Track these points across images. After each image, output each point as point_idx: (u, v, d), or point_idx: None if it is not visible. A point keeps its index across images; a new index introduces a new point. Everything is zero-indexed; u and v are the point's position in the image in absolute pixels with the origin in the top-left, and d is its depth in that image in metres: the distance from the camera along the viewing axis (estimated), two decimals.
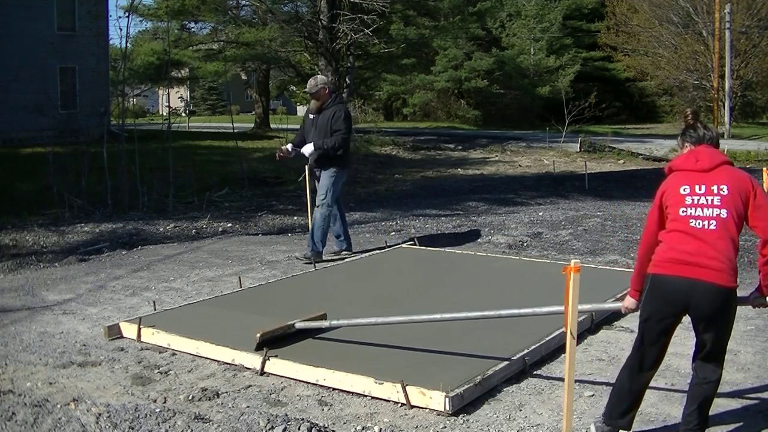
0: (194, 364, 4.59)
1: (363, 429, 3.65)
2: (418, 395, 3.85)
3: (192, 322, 5.21)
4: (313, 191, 7.64)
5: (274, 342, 4.59)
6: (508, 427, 3.66)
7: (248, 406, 3.91)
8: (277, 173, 16.03)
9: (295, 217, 10.79)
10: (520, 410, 3.84)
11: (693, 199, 3.23)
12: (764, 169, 7.93)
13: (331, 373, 4.15)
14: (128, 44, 13.90)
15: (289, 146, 7.75)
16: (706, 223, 3.18)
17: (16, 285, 6.73)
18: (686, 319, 3.29)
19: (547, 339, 4.63)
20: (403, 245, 8.06)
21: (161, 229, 9.55)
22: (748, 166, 18.12)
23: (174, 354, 4.78)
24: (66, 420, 3.67)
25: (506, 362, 4.25)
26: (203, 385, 4.23)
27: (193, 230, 9.61)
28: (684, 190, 3.26)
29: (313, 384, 4.19)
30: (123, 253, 8.24)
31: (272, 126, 32.95)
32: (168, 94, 29.82)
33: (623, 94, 44.62)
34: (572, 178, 16.60)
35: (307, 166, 7.67)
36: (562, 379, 3.78)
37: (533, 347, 4.50)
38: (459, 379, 3.97)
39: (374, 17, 23.23)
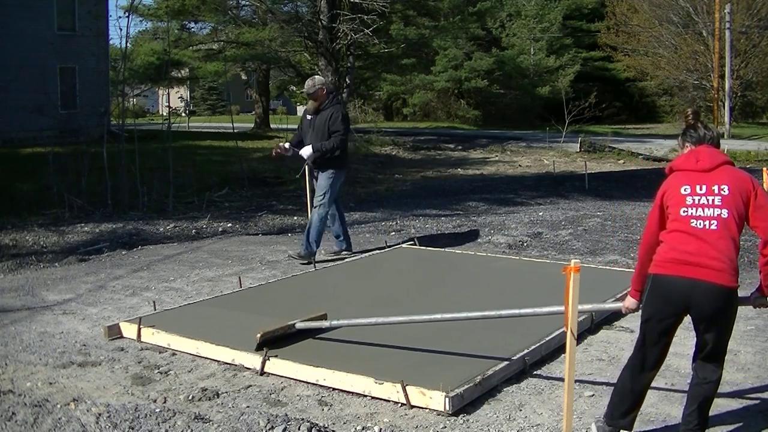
0: (194, 364, 4.59)
1: (363, 429, 3.65)
2: (418, 395, 3.85)
3: (192, 322, 5.21)
4: (313, 191, 7.64)
5: (274, 342, 4.59)
6: (508, 427, 3.66)
7: (248, 406, 3.91)
8: (277, 173, 16.03)
9: (295, 217, 10.79)
10: (520, 410, 3.84)
11: (694, 199, 3.23)
12: (764, 169, 7.93)
13: (331, 373, 4.15)
14: (128, 44, 13.91)
15: (287, 145, 7.74)
16: (707, 223, 3.18)
17: (16, 285, 6.73)
18: (687, 319, 3.29)
19: (547, 339, 4.63)
20: (403, 245, 8.06)
21: (161, 229, 9.55)
22: (748, 166, 18.12)
23: (174, 354, 4.78)
24: (66, 420, 3.67)
25: (506, 362, 4.25)
26: (203, 385, 4.23)
27: (193, 230, 9.61)
28: (685, 190, 3.26)
29: (313, 384, 4.19)
30: (123, 253, 8.24)
31: (272, 126, 32.97)
32: (168, 94, 29.83)
33: (623, 94, 44.62)
34: (572, 178, 16.59)
35: (306, 166, 7.68)
36: (562, 379, 3.78)
37: (533, 347, 4.50)
38: (459, 379, 3.97)
39: (374, 17, 23.24)
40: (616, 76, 43.89)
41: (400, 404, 3.89)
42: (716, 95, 34.77)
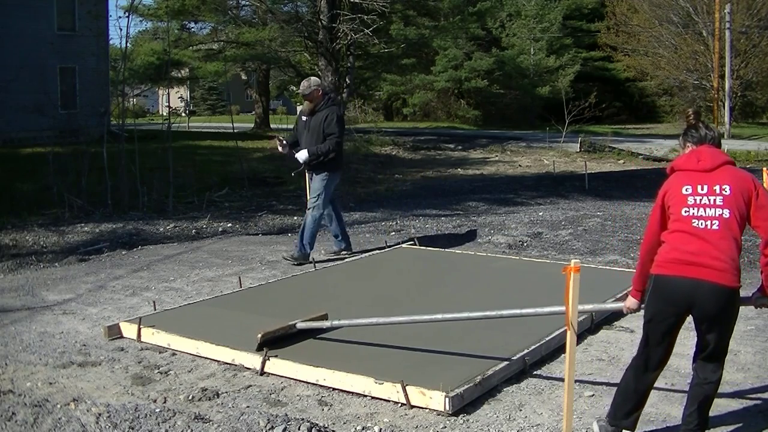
0: (194, 364, 4.59)
1: (363, 429, 3.65)
2: (418, 395, 3.85)
3: (192, 322, 5.21)
4: None
5: (275, 342, 4.59)
6: (508, 427, 3.66)
7: (248, 406, 3.91)
8: (277, 173, 16.03)
9: (295, 217, 10.79)
10: (520, 410, 3.84)
11: (695, 199, 3.22)
12: (764, 169, 7.92)
13: (331, 373, 4.15)
14: (128, 44, 13.90)
15: (285, 142, 7.71)
16: (708, 223, 3.18)
17: (16, 285, 6.73)
18: (687, 319, 3.29)
19: (547, 339, 4.63)
20: (403, 245, 8.06)
21: (161, 229, 9.55)
22: (748, 166, 18.12)
23: (174, 354, 4.78)
24: (66, 420, 3.67)
25: (506, 362, 4.25)
26: (203, 385, 4.23)
27: (193, 230, 9.61)
28: (686, 190, 3.26)
29: (313, 384, 4.19)
30: (123, 253, 8.24)
31: (272, 126, 32.96)
32: (168, 94, 29.84)
33: (623, 94, 44.62)
34: (572, 178, 16.59)
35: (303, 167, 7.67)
36: (562, 379, 3.78)
37: (533, 347, 4.50)
38: (459, 379, 3.97)
39: (374, 17, 23.23)
40: (616, 76, 43.89)
41: (400, 404, 3.89)
42: (716, 95, 34.77)
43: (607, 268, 6.99)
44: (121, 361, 4.66)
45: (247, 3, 29.89)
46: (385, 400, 3.94)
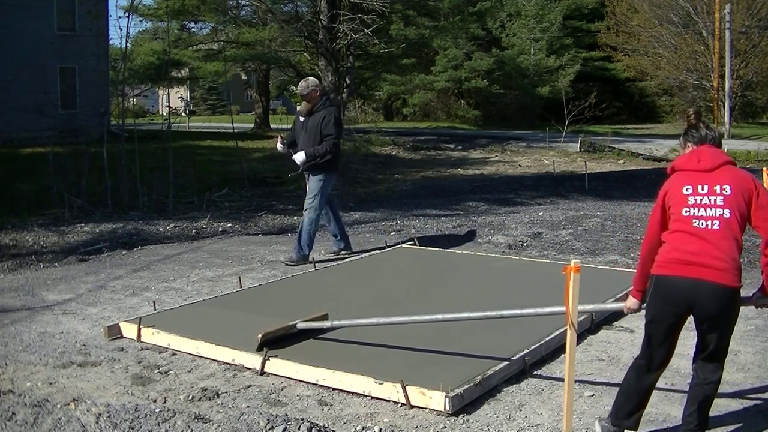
0: (194, 364, 4.59)
1: (363, 429, 3.65)
2: (418, 395, 3.85)
3: (192, 322, 5.21)
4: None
5: (275, 342, 4.59)
6: (508, 427, 3.66)
7: (248, 406, 3.91)
8: (277, 173, 16.02)
9: (295, 217, 10.78)
10: (520, 410, 3.84)
11: (696, 199, 3.22)
12: (764, 169, 7.92)
13: (331, 373, 4.15)
14: (128, 44, 13.90)
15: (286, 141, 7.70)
16: (709, 223, 3.18)
17: (16, 285, 6.73)
18: (688, 319, 3.29)
19: (547, 339, 4.63)
20: (403, 245, 8.06)
21: (161, 229, 9.55)
22: (748, 166, 18.12)
23: (174, 354, 4.78)
24: (66, 420, 3.67)
25: (506, 362, 4.25)
26: (203, 385, 4.23)
27: (193, 230, 9.61)
28: (687, 190, 3.26)
29: (313, 384, 4.19)
30: (123, 253, 8.24)
31: (272, 126, 32.97)
32: (168, 94, 29.84)
33: (623, 94, 44.62)
34: (572, 178, 16.59)
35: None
36: (562, 379, 3.78)
37: (533, 347, 4.50)
38: (459, 379, 3.97)
39: (374, 17, 23.22)
40: (616, 76, 43.89)
41: (400, 404, 3.89)
42: (716, 95, 34.78)
43: (607, 268, 6.99)
44: (121, 361, 4.66)
45: (247, 3, 29.89)
46: (385, 400, 3.94)
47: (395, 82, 37.84)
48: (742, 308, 3.36)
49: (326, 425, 3.65)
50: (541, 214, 10.74)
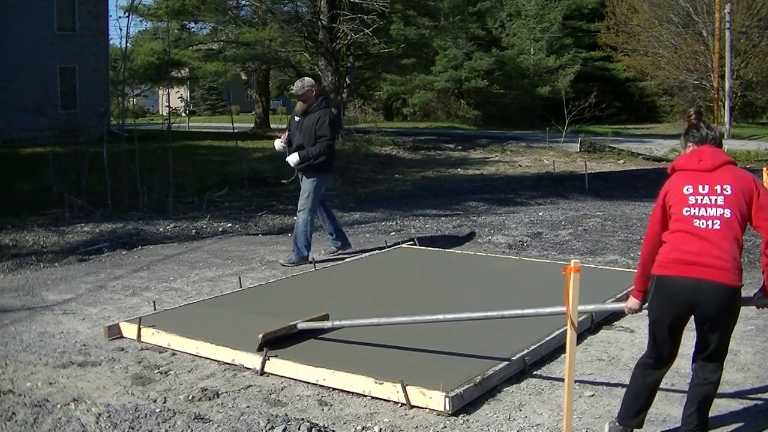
0: (194, 364, 4.59)
1: (363, 429, 3.65)
2: (418, 395, 3.85)
3: (192, 322, 5.21)
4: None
5: (276, 342, 4.59)
6: (508, 427, 3.66)
7: (248, 406, 3.91)
8: (277, 173, 16.01)
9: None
10: (520, 410, 3.84)
11: (696, 199, 3.22)
12: (764, 169, 7.93)
13: (331, 373, 4.15)
14: (128, 44, 13.89)
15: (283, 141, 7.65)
16: (710, 222, 3.18)
17: (16, 285, 6.73)
18: (689, 319, 3.30)
19: (547, 339, 4.63)
20: (403, 245, 8.05)
21: (161, 229, 9.55)
22: (748, 166, 18.12)
23: (174, 354, 4.78)
24: (66, 420, 3.67)
25: (506, 362, 4.25)
26: (203, 385, 4.23)
27: (193, 230, 9.61)
28: (687, 190, 3.26)
29: (313, 384, 4.19)
30: (123, 253, 8.24)
31: (272, 126, 32.98)
32: (168, 94, 29.82)
33: (623, 94, 44.62)
34: (572, 178, 16.59)
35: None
36: (562, 379, 3.78)
37: (533, 347, 4.50)
38: (459, 379, 3.97)
39: (374, 17, 23.25)
40: (616, 76, 43.89)
41: (400, 404, 3.89)
42: (716, 95, 34.78)
43: (607, 268, 6.99)
44: (121, 361, 4.66)
45: (247, 3, 29.92)
46: (385, 400, 3.94)
47: (395, 82, 37.87)
48: (742, 308, 3.37)
49: (326, 425, 3.65)
50: (541, 214, 10.74)
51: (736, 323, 3.26)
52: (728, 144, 23.78)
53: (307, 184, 7.34)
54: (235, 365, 4.51)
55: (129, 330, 5.09)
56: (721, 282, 3.11)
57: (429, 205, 12.23)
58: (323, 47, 24.66)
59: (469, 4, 28.97)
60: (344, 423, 3.72)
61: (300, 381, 4.24)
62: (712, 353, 3.27)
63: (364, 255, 7.67)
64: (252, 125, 34.24)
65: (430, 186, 16.11)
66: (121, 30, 43.16)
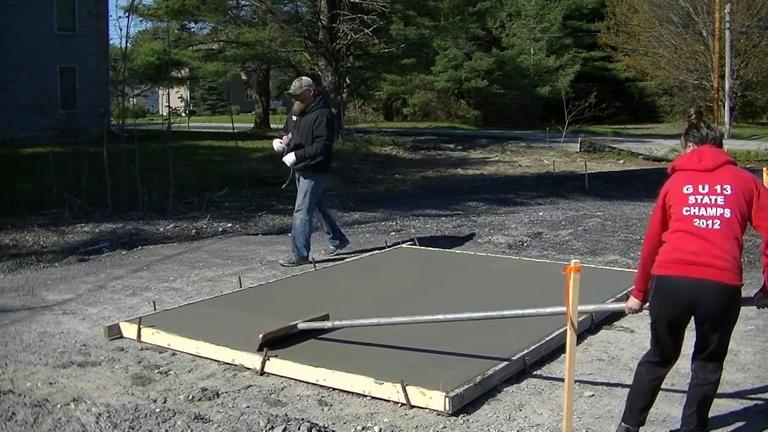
0: (194, 364, 4.59)
1: (363, 429, 3.65)
2: (418, 395, 3.85)
3: (192, 322, 5.21)
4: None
5: (276, 342, 4.59)
6: (508, 427, 3.66)
7: (248, 406, 3.91)
8: (277, 173, 16.01)
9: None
10: (520, 410, 3.84)
11: (696, 199, 3.22)
12: (764, 169, 7.93)
13: (331, 373, 4.15)
14: (128, 44, 13.89)
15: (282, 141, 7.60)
16: (710, 222, 3.18)
17: (16, 285, 6.73)
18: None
19: (547, 339, 4.63)
20: (403, 245, 8.05)
21: (161, 229, 9.55)
22: (748, 166, 18.11)
23: (174, 354, 4.78)
24: (66, 420, 3.67)
25: (506, 362, 4.25)
26: (203, 385, 4.23)
27: (193, 230, 9.61)
28: (687, 190, 3.26)
29: (313, 384, 4.19)
30: (123, 253, 8.24)
31: (272, 126, 32.99)
32: (168, 94, 29.82)
33: (623, 94, 44.62)
34: (572, 178, 16.59)
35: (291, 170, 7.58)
36: (562, 379, 3.78)
37: (533, 347, 4.50)
38: (459, 379, 3.97)
39: (374, 17, 23.25)
40: (616, 76, 43.90)
41: (400, 404, 3.89)
42: (716, 95, 34.79)
43: (607, 268, 6.99)
44: (121, 361, 4.66)
45: (247, 3, 29.92)
46: (385, 400, 3.94)
47: (395, 82, 37.87)
48: (742, 308, 3.37)
49: (326, 425, 3.65)
50: (541, 214, 10.74)
51: (736, 323, 3.26)
52: (728, 144, 23.77)
53: (304, 185, 7.33)
54: (235, 365, 4.51)
55: (129, 330, 5.09)
56: (721, 282, 3.11)
57: (429, 205, 12.23)
58: (323, 47, 24.66)
59: (469, 4, 28.98)
60: (344, 423, 3.72)
61: (300, 381, 4.24)
62: (711, 353, 3.27)
63: (364, 255, 7.67)
64: (252, 125, 34.25)
65: (430, 186, 16.11)
66: (121, 30, 43.20)
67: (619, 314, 5.25)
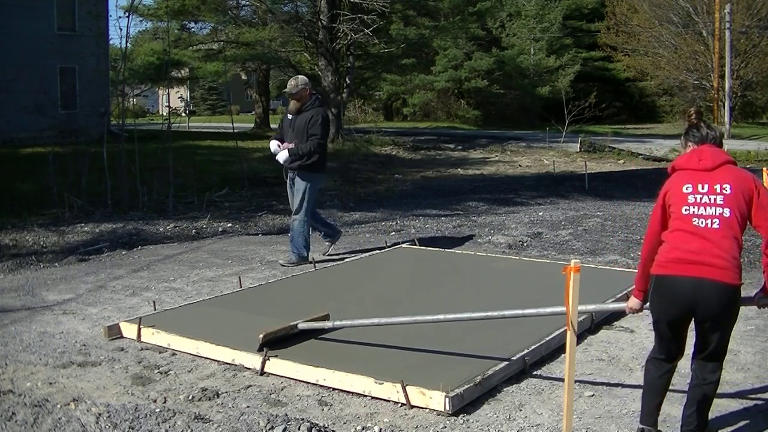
0: (194, 364, 4.59)
1: (363, 429, 3.65)
2: (418, 395, 3.85)
3: (192, 322, 5.21)
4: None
5: (276, 342, 4.59)
6: (508, 427, 3.66)
7: (248, 406, 3.91)
8: (277, 173, 15.99)
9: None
10: (520, 410, 3.84)
11: (696, 198, 3.23)
12: (764, 169, 7.93)
13: (331, 373, 4.15)
14: (128, 44, 13.90)
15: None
16: (709, 221, 3.18)
17: (16, 285, 6.73)
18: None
19: (547, 339, 4.63)
20: (403, 245, 8.05)
21: (161, 229, 9.55)
22: (748, 166, 18.10)
23: (174, 354, 4.78)
24: (66, 420, 3.67)
25: (506, 362, 4.25)
26: (203, 385, 4.23)
27: (193, 230, 9.61)
28: (687, 189, 3.26)
29: (313, 384, 4.19)
30: (123, 253, 8.24)
31: (272, 126, 32.99)
32: (168, 94, 29.80)
33: (623, 94, 44.63)
34: (572, 178, 16.59)
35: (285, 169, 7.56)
36: (562, 379, 3.78)
37: (533, 347, 4.49)
38: (459, 379, 3.97)
39: (374, 17, 23.25)
40: (616, 76, 43.90)
41: (400, 404, 3.89)
42: (716, 95, 34.79)
43: (607, 268, 6.99)
44: (121, 361, 4.66)
45: (247, 3, 29.93)
46: (385, 400, 3.94)
47: (395, 82, 37.87)
48: (742, 308, 3.37)
49: (326, 425, 3.65)
50: (541, 214, 10.74)
51: (735, 323, 3.26)
52: (728, 144, 23.77)
53: (300, 186, 7.29)
54: (235, 365, 4.51)
55: (129, 330, 5.09)
56: (721, 281, 3.11)
57: (429, 205, 12.23)
58: (323, 47, 24.66)
59: (469, 4, 28.97)
60: (344, 423, 3.72)
61: (300, 381, 4.24)
62: (711, 353, 3.27)
63: (364, 255, 7.67)
64: (252, 125, 34.25)
65: (430, 186, 16.11)
66: (121, 30, 43.19)
67: (619, 314, 5.25)
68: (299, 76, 7.46)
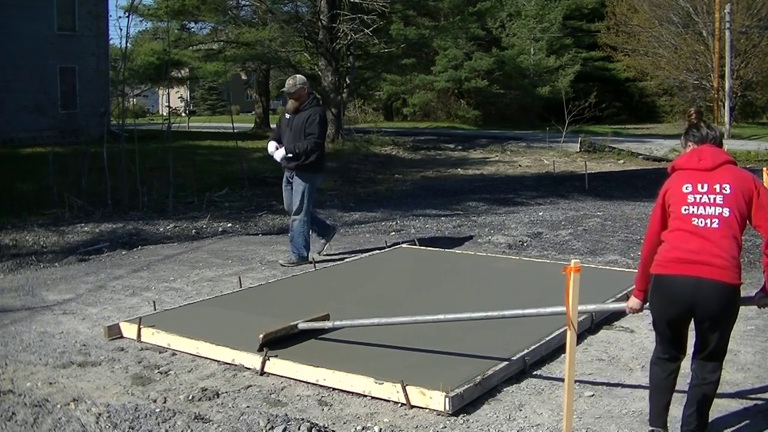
0: (194, 364, 4.59)
1: (363, 429, 3.65)
2: (418, 395, 3.85)
3: (192, 322, 5.21)
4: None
5: (276, 342, 4.59)
6: (508, 427, 3.66)
7: (248, 406, 3.91)
8: (277, 173, 16.00)
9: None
10: (520, 410, 3.84)
11: (695, 198, 3.23)
12: (764, 169, 7.93)
13: (331, 373, 4.15)
14: (128, 44, 13.90)
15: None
16: (708, 221, 3.18)
17: (16, 285, 6.73)
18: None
19: (547, 339, 4.63)
20: (403, 245, 8.05)
21: (161, 229, 9.55)
22: (748, 166, 18.10)
23: (174, 354, 4.78)
24: (66, 420, 3.67)
25: (506, 362, 4.25)
26: (203, 385, 4.23)
27: (193, 230, 9.61)
28: (686, 189, 3.26)
29: (313, 384, 4.19)
30: (123, 253, 8.24)
31: (272, 126, 32.96)
32: (168, 94, 29.82)
33: (623, 94, 44.63)
34: (572, 178, 16.59)
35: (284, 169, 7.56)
36: (562, 379, 3.78)
37: (533, 347, 4.49)
38: (459, 379, 3.97)
39: (374, 17, 23.26)
40: (616, 76, 43.90)
41: (400, 404, 3.89)
42: (716, 95, 34.79)
43: (607, 268, 6.99)
44: (121, 361, 4.66)
45: (247, 3, 29.93)
46: (385, 400, 3.94)
47: (395, 82, 37.87)
48: (742, 308, 3.37)
49: (326, 425, 3.65)
50: (541, 214, 10.74)
51: (735, 322, 3.26)
52: (728, 144, 23.77)
53: (298, 186, 7.28)
54: (235, 365, 4.51)
55: (129, 330, 5.09)
56: (720, 280, 3.11)
57: (429, 205, 12.23)
58: (323, 47, 24.67)
59: (469, 4, 28.96)
60: (344, 423, 3.72)
61: (300, 381, 4.24)
62: (711, 353, 3.27)
63: (364, 255, 7.67)
64: (252, 125, 34.24)
65: (430, 186, 16.11)
66: (121, 30, 43.20)
67: (619, 314, 5.25)
68: (297, 76, 7.45)
